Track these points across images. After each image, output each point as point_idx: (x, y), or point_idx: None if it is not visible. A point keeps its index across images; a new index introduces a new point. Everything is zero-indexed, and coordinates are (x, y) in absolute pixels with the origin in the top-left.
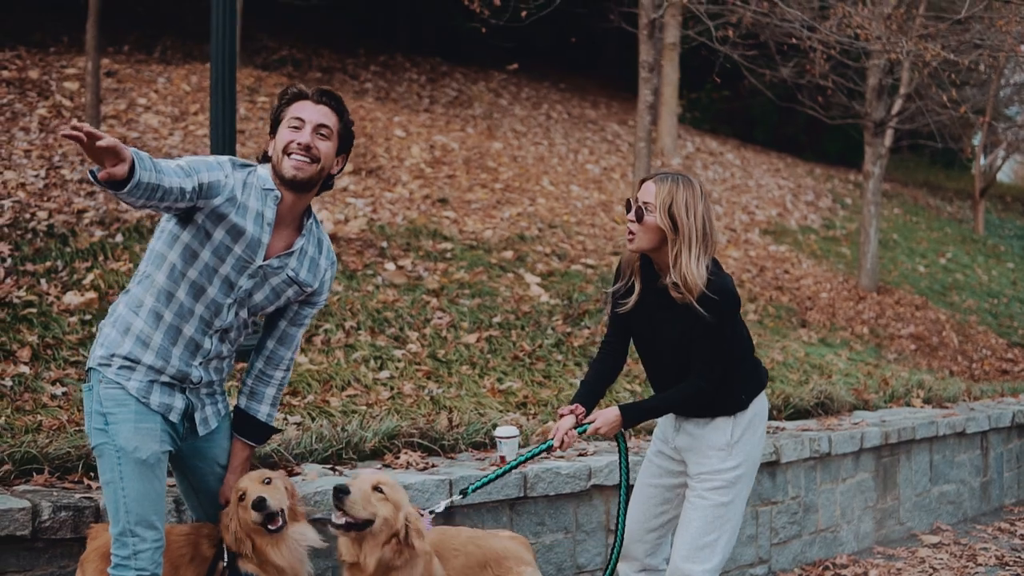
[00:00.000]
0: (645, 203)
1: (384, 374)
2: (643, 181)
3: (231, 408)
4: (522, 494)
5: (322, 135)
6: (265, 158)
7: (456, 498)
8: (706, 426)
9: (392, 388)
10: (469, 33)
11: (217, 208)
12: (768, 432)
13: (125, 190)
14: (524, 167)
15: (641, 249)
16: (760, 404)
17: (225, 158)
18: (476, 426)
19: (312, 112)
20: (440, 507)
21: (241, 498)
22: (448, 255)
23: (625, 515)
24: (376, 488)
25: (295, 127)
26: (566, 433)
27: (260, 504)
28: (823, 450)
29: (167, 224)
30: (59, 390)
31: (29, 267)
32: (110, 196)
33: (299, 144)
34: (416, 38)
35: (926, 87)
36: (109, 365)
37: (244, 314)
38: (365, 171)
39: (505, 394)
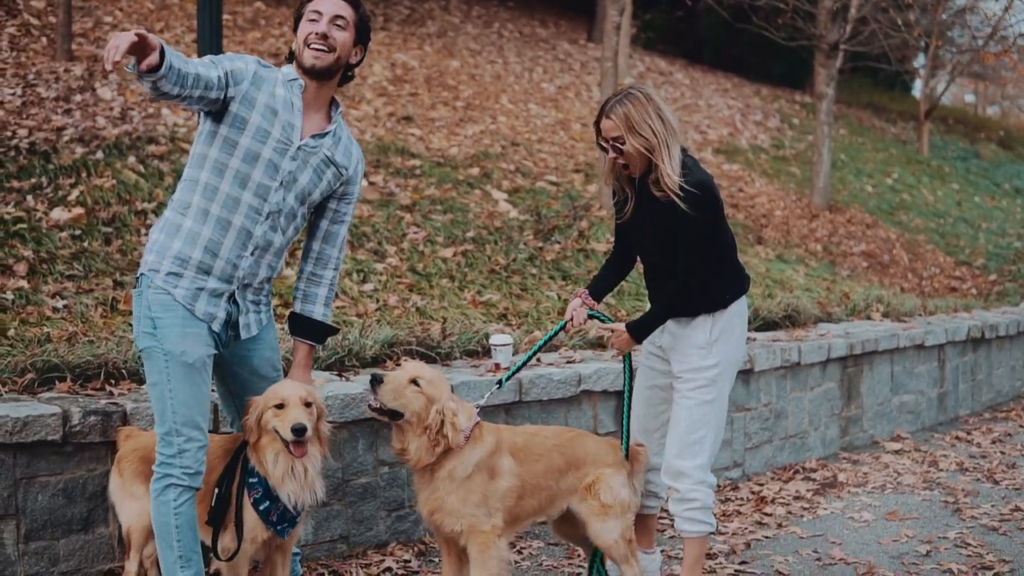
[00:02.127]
0: (614, 138)
1: (368, 287)
2: (597, 123)
3: (289, 313)
4: (517, 399)
5: (338, 26)
6: (291, 56)
7: (494, 388)
8: (687, 325)
9: (378, 300)
10: None
11: (247, 92)
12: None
13: (161, 74)
14: (483, 85)
15: (643, 170)
16: (740, 306)
17: (250, 56)
18: (468, 335)
19: (329, 5)
20: (483, 400)
21: (280, 406)
22: (417, 172)
23: (629, 418)
24: (413, 381)
25: (313, 19)
26: (575, 311)
27: (300, 430)
28: (793, 359)
29: (204, 126)
30: (59, 303)
31: (15, 184)
32: (87, 114)
33: (317, 34)
34: None
35: (877, 10)
36: (157, 271)
37: (291, 199)
38: None
39: (486, 305)
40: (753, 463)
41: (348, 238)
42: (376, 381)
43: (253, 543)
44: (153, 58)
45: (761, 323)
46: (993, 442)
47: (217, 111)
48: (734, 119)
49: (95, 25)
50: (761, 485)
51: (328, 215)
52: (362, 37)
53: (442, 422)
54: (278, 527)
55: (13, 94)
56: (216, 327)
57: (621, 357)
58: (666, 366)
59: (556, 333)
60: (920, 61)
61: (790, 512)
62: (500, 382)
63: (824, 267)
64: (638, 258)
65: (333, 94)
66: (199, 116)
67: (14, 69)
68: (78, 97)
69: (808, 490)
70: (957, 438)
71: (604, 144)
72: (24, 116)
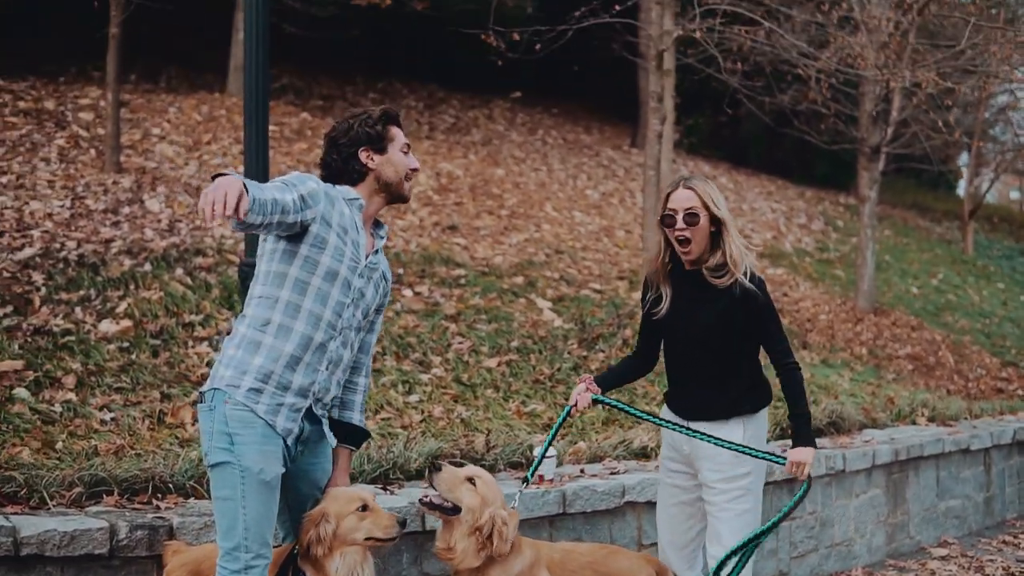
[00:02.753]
0: (688, 209)
1: (413, 397)
2: (669, 193)
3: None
4: (561, 511)
5: None
6: (350, 177)
7: (522, 487)
8: (719, 430)
9: (423, 411)
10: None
11: (324, 212)
12: (783, 450)
13: (247, 207)
14: (527, 193)
15: (699, 253)
16: (764, 414)
17: (312, 176)
18: (512, 447)
19: (405, 137)
20: (515, 504)
21: (363, 508)
22: (462, 281)
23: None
24: (470, 479)
25: (406, 152)
26: (579, 396)
27: (403, 523)
28: (838, 467)
29: (276, 244)
30: (107, 415)
31: (63, 295)
32: (135, 226)
33: (414, 170)
34: (411, 65)
35: (919, 112)
36: (238, 387)
37: (359, 315)
38: None
39: (531, 416)
40: (799, 572)
41: (394, 349)
42: (435, 469)
43: None
44: (245, 202)
45: None
46: None
47: (294, 233)
48: (778, 222)
49: (143, 136)
50: None
51: (365, 326)
52: None
53: (491, 527)
54: None
55: (62, 206)
56: (290, 442)
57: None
58: (691, 480)
59: (563, 421)
60: (964, 160)
61: None
62: (526, 479)
63: (869, 371)
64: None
65: None
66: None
67: (63, 181)
68: (126, 209)
69: None
70: (1004, 542)
71: (672, 216)
72: (73, 228)
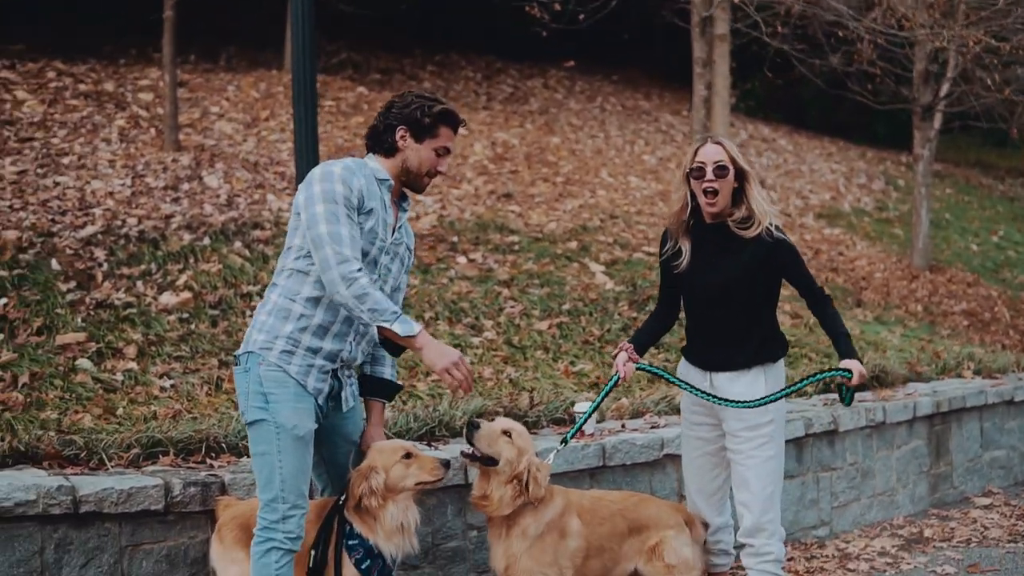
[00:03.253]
0: (717, 163)
1: (465, 360)
2: (697, 148)
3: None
4: (601, 463)
5: None
6: (382, 147)
7: (559, 447)
8: (741, 380)
9: (473, 373)
10: (522, 30)
11: (364, 204)
12: (826, 404)
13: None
14: (583, 160)
15: (725, 206)
16: (782, 364)
17: (340, 167)
18: (555, 404)
19: (452, 143)
20: (549, 458)
21: (407, 456)
22: (516, 247)
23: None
24: (505, 432)
25: (442, 154)
26: (623, 366)
27: (447, 464)
28: (878, 419)
29: None
30: (167, 383)
31: (125, 271)
32: (195, 202)
33: (440, 172)
34: (469, 37)
35: (972, 71)
36: (271, 349)
37: (387, 289)
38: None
39: (578, 375)
40: (841, 522)
41: (447, 314)
42: (473, 427)
43: None
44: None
45: None
46: None
47: None
48: (838, 183)
49: (202, 115)
50: (847, 543)
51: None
52: None
53: (528, 474)
54: None
55: (123, 184)
56: (321, 400)
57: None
58: (715, 431)
59: (610, 390)
60: None
61: (873, 567)
62: (564, 439)
63: (924, 328)
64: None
65: None
66: (295, 210)
67: (124, 160)
68: (186, 186)
69: (893, 546)
70: None
71: (703, 168)
72: (134, 205)
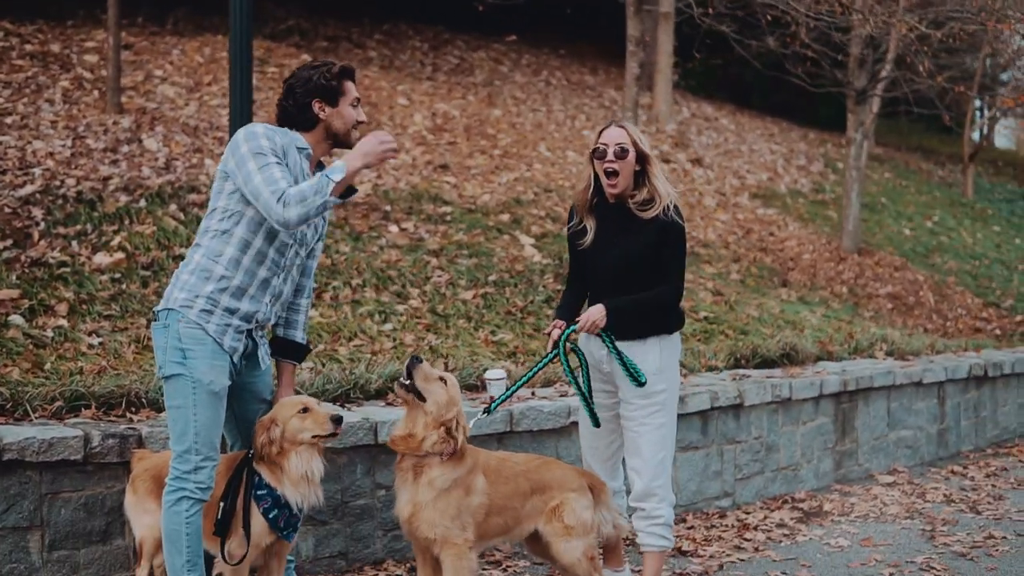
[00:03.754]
0: (620, 144)
1: (387, 327)
2: (602, 130)
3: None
4: (508, 429)
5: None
6: (302, 123)
7: (481, 416)
8: (638, 349)
9: (395, 339)
10: (469, 2)
11: (285, 159)
12: (734, 379)
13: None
14: (522, 134)
15: (625, 188)
16: (678, 337)
17: (262, 127)
18: (468, 371)
19: (355, 89)
20: (470, 423)
21: (304, 410)
22: (448, 218)
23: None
24: (441, 379)
25: (354, 105)
26: (554, 340)
27: (339, 419)
28: (784, 395)
29: (231, 185)
30: (95, 340)
31: (61, 230)
32: (133, 164)
33: (360, 123)
34: (419, 6)
35: (907, 57)
36: (191, 307)
37: (302, 252)
38: None
39: (497, 344)
40: (744, 493)
41: (374, 281)
42: (416, 360)
43: (258, 547)
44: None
45: (759, 361)
46: (987, 476)
47: None
48: (776, 164)
49: (145, 78)
50: (748, 514)
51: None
52: None
53: (456, 423)
54: (284, 532)
55: (63, 145)
56: (236, 359)
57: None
58: (612, 398)
59: (543, 365)
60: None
61: (770, 538)
62: (487, 410)
63: (847, 308)
64: None
65: None
66: (221, 174)
67: (65, 121)
68: (125, 148)
69: (792, 518)
70: (953, 472)
71: (604, 149)
72: (73, 166)
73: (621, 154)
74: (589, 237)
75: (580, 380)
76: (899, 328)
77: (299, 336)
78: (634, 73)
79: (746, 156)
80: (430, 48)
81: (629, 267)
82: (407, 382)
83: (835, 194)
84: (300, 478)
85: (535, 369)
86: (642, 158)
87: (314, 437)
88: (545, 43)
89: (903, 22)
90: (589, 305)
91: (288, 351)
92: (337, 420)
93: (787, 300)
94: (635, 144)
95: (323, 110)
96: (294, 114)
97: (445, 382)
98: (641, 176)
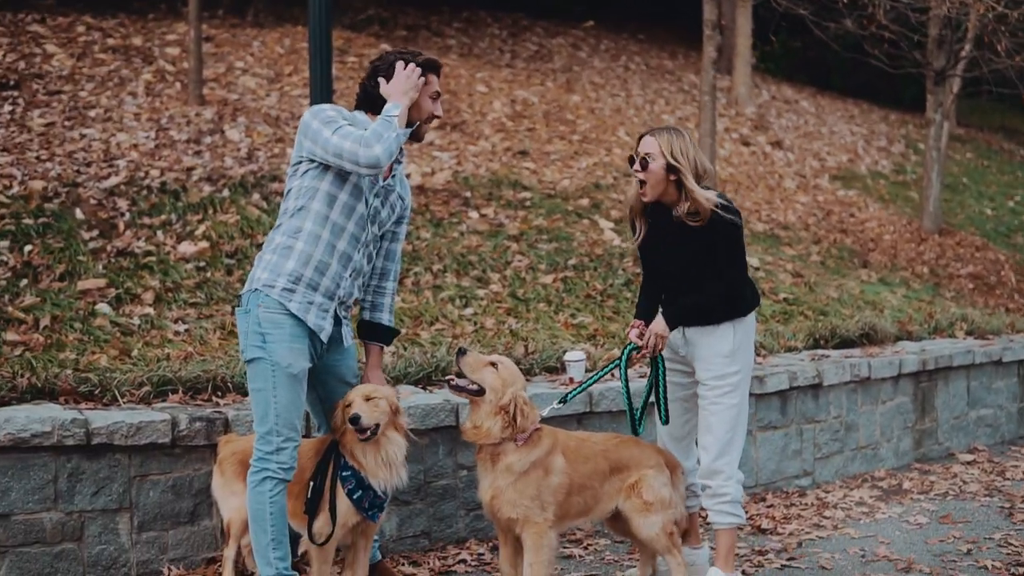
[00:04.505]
0: (648, 153)
1: (468, 311)
2: (641, 136)
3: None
4: (588, 409)
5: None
6: (377, 101)
7: (557, 405)
8: (711, 334)
9: (476, 323)
10: None
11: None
12: (812, 359)
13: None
14: (601, 119)
15: (655, 196)
16: (752, 318)
17: (327, 105)
18: (548, 352)
19: (438, 83)
20: (545, 412)
21: (348, 405)
22: (528, 204)
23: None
24: (492, 364)
25: (435, 98)
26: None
27: (355, 419)
28: (863, 374)
29: (308, 164)
30: (181, 327)
31: (146, 220)
32: (216, 155)
33: (436, 116)
34: None
35: (985, 37)
36: (273, 286)
37: (376, 231)
38: (450, 126)
39: (577, 327)
40: (823, 472)
41: (455, 267)
42: (461, 353)
43: (344, 527)
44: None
45: (838, 341)
46: None
47: None
48: (856, 145)
49: (227, 70)
50: (828, 492)
51: (388, 236)
52: None
53: (515, 407)
54: (369, 512)
55: (147, 137)
56: (324, 337)
57: (653, 357)
58: (688, 377)
59: (605, 374)
60: None
61: (849, 516)
62: (564, 398)
63: (927, 289)
64: None
65: None
66: (295, 160)
67: (148, 113)
68: (208, 139)
69: (871, 497)
70: None
71: (633, 158)
72: (157, 158)
73: (644, 165)
74: (640, 237)
75: (657, 382)
76: (980, 308)
77: (385, 319)
78: (711, 57)
79: (826, 138)
80: (508, 35)
81: (682, 271)
82: (455, 382)
83: (916, 175)
84: (373, 465)
85: (597, 375)
86: (673, 169)
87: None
88: (623, 28)
89: (981, 2)
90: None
91: (375, 333)
92: (352, 419)
93: (867, 281)
94: (664, 155)
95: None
96: (374, 96)
97: (496, 366)
98: (680, 186)
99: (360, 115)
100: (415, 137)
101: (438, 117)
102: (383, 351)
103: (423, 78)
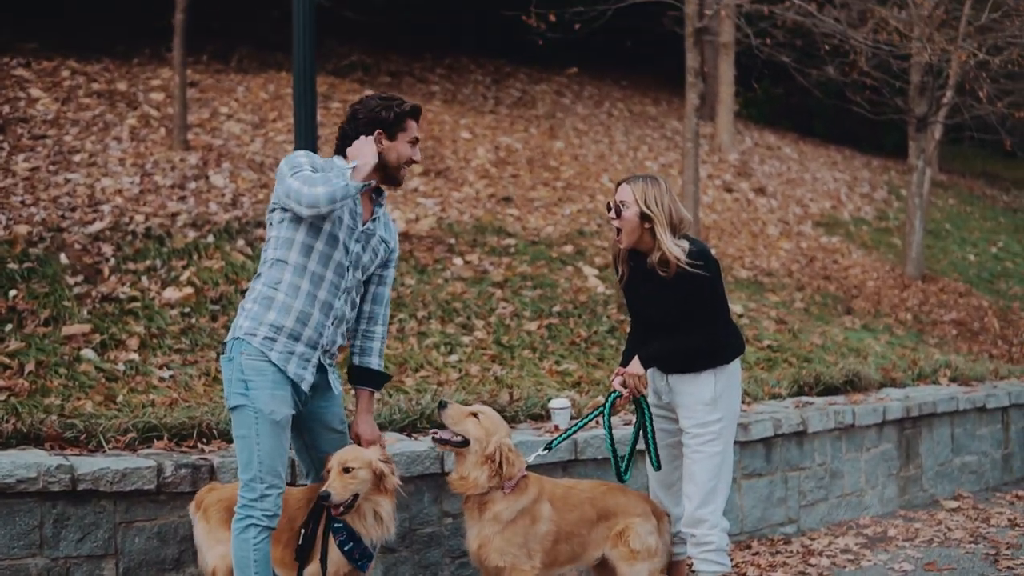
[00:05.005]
0: (622, 201)
1: (453, 358)
2: (619, 184)
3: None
4: (574, 457)
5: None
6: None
7: (542, 452)
8: (692, 382)
9: (460, 370)
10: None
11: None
12: (797, 406)
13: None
14: (585, 165)
15: (630, 243)
16: (736, 365)
17: (301, 152)
18: (533, 400)
19: (417, 129)
20: (531, 458)
21: (329, 471)
22: (512, 250)
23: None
24: (474, 415)
25: (412, 143)
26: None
27: (324, 496)
28: (847, 421)
29: (286, 214)
30: (166, 373)
31: (131, 266)
32: (200, 200)
33: (413, 161)
34: (480, 40)
35: (967, 83)
36: (255, 335)
37: (359, 276)
38: (434, 172)
39: (562, 374)
40: (808, 520)
41: (440, 313)
42: (442, 406)
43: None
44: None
45: (823, 388)
46: None
47: None
48: (839, 192)
49: (211, 115)
50: (813, 540)
51: (375, 280)
52: None
53: (500, 455)
54: (359, 563)
55: (132, 182)
56: (304, 387)
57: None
58: (675, 424)
59: (590, 420)
60: None
61: (834, 563)
62: (549, 445)
63: (911, 335)
64: None
65: None
66: (271, 206)
67: (133, 159)
68: (192, 184)
69: (857, 544)
70: (1018, 496)
71: (609, 206)
72: (142, 203)
73: (617, 212)
74: (624, 282)
75: (645, 427)
76: (963, 354)
77: (375, 363)
78: (694, 104)
79: (809, 184)
80: (492, 81)
81: (662, 318)
82: (438, 436)
83: (899, 221)
84: (367, 524)
85: (582, 422)
86: (647, 218)
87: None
88: (607, 75)
89: (962, 49)
90: (645, 339)
91: (364, 378)
92: (322, 497)
93: (851, 328)
94: (637, 203)
95: (380, 141)
96: (352, 139)
97: (478, 416)
98: (654, 234)
99: (338, 160)
100: (393, 181)
101: (416, 162)
102: (373, 396)
103: (390, 138)
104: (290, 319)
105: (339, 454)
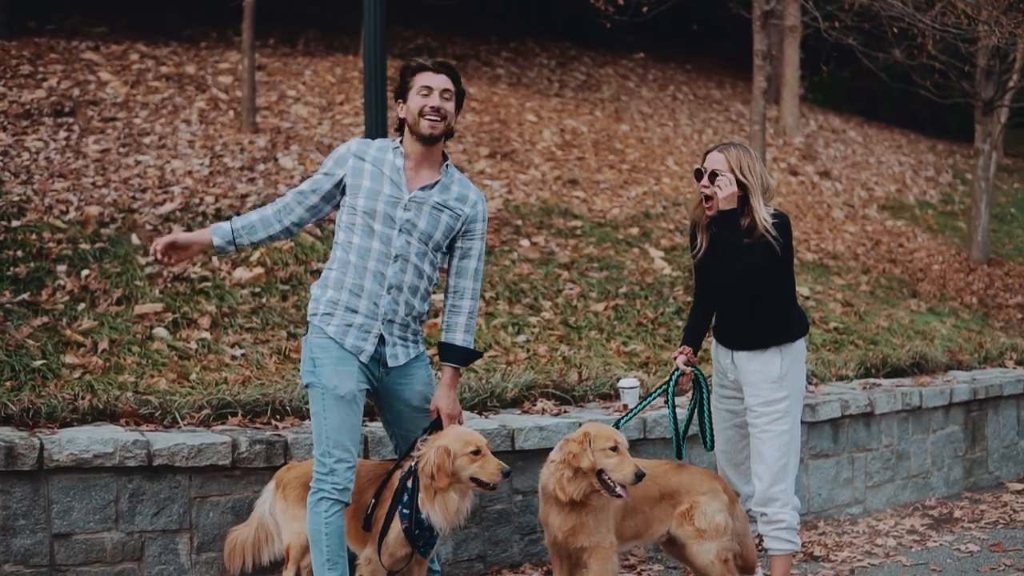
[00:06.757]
0: (716, 170)
1: (521, 338)
2: (707, 152)
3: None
4: (642, 436)
5: (445, 98)
6: (401, 125)
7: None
8: (759, 359)
9: (528, 350)
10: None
11: (353, 166)
12: (864, 387)
13: (217, 252)
14: (650, 148)
15: (723, 208)
16: (802, 344)
17: (350, 143)
18: (602, 380)
19: (436, 80)
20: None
21: (476, 452)
22: (578, 232)
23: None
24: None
25: (424, 94)
26: (684, 365)
27: (507, 473)
28: (914, 403)
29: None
30: (238, 351)
31: None
32: (269, 182)
33: (431, 108)
34: (546, 23)
35: None
36: (316, 314)
37: (415, 242)
38: (500, 155)
39: (629, 355)
40: (874, 501)
41: (507, 295)
42: (506, 474)
43: (392, 557)
44: (198, 249)
45: (890, 370)
46: None
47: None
48: (904, 175)
49: (279, 99)
50: (879, 520)
51: (457, 252)
52: (460, 104)
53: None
54: (421, 548)
55: (201, 164)
56: (364, 359)
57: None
58: (741, 404)
59: (651, 400)
60: None
61: (900, 544)
62: (616, 424)
63: (976, 319)
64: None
65: (443, 150)
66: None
67: (203, 141)
68: (261, 166)
69: (923, 525)
70: None
71: (701, 173)
72: (211, 184)
73: (712, 179)
74: (701, 252)
75: (701, 405)
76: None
77: (459, 339)
78: (761, 87)
79: (874, 168)
80: (557, 65)
81: (734, 286)
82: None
83: (964, 205)
84: (453, 512)
85: (645, 402)
86: (742, 185)
87: (473, 480)
88: (671, 58)
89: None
90: (716, 314)
91: (448, 354)
92: (506, 474)
93: (916, 311)
94: (733, 171)
95: (401, 108)
96: (399, 120)
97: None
98: (744, 202)
99: (387, 141)
100: (422, 139)
101: (434, 109)
102: (459, 372)
103: (404, 100)
104: (344, 293)
105: (469, 436)
